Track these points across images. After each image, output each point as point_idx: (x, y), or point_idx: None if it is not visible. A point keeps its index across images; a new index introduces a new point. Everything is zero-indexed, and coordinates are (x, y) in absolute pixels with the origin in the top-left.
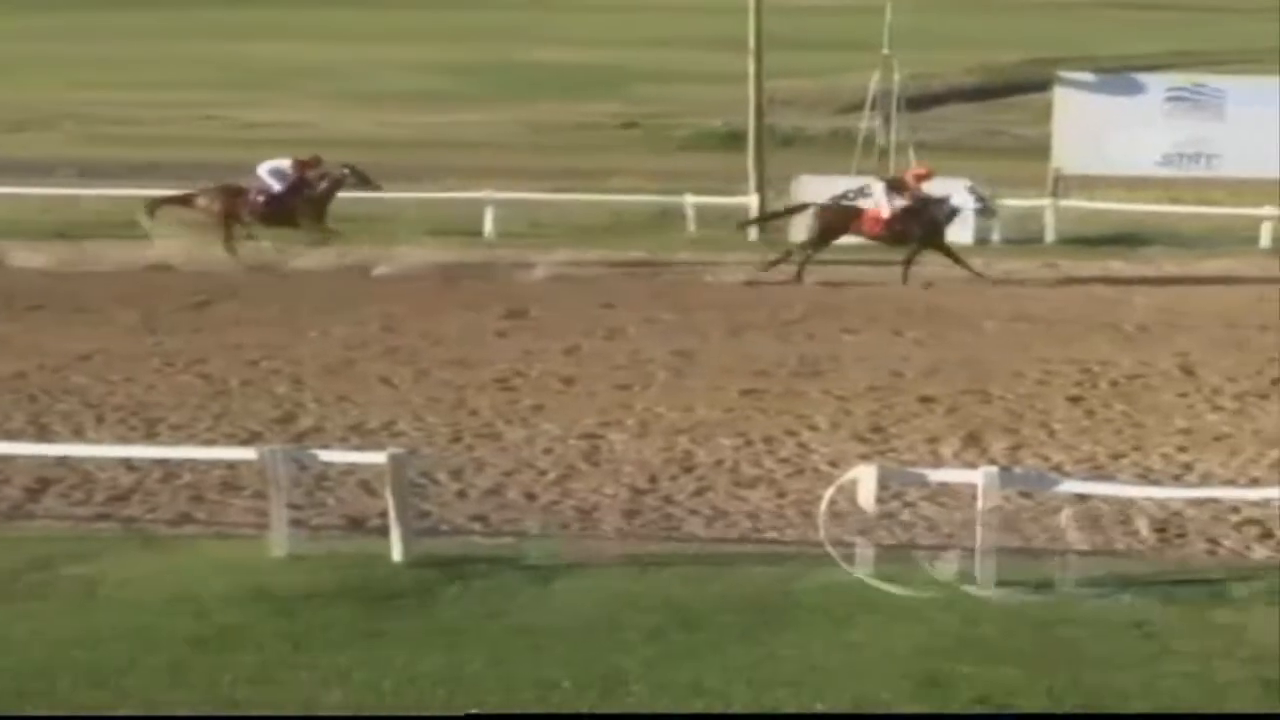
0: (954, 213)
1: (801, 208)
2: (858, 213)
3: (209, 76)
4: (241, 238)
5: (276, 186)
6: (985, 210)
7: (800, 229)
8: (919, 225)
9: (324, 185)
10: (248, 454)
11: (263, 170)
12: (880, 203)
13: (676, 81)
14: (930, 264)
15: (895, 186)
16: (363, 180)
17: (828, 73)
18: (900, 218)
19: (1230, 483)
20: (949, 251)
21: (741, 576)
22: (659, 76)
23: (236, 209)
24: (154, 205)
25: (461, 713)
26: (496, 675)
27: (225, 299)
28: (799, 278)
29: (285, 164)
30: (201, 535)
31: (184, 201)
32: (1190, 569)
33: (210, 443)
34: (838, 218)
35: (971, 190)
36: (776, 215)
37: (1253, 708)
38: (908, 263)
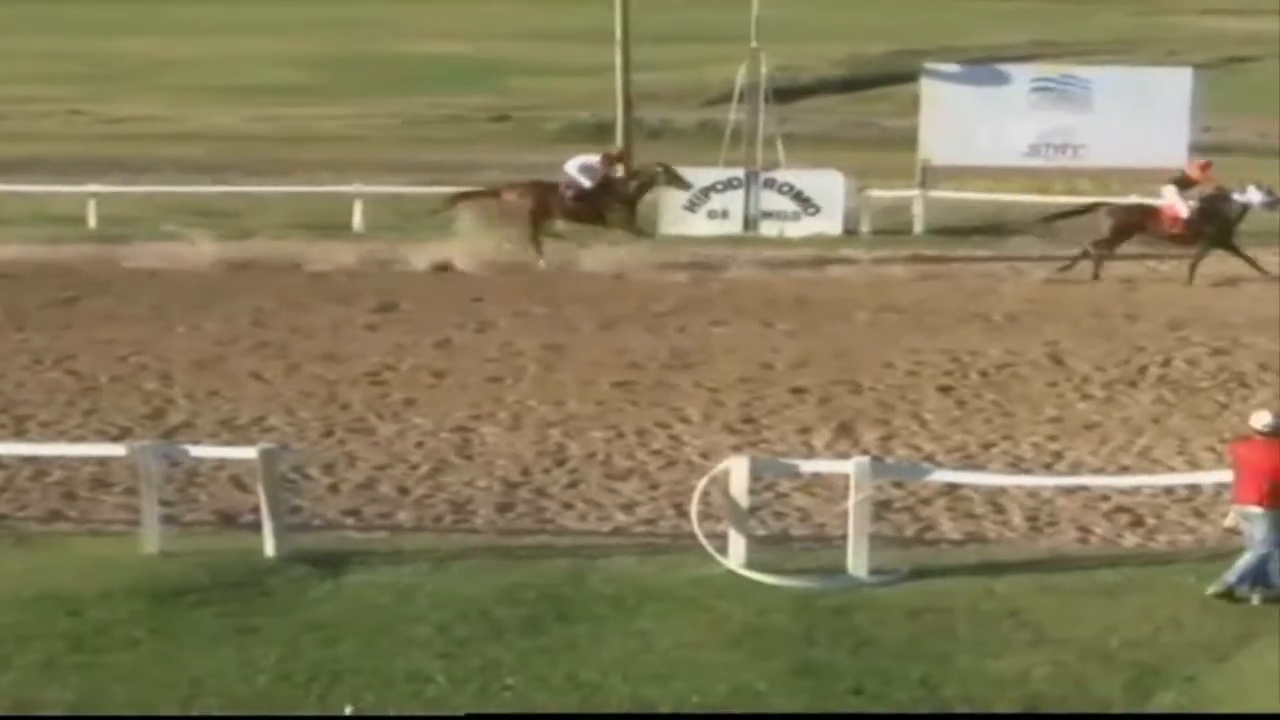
0: (1244, 210)
1: (1094, 206)
2: (1154, 211)
3: (72, 71)
4: (546, 234)
5: (586, 183)
6: (1275, 205)
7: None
8: (1212, 223)
9: (636, 183)
10: (118, 450)
11: (571, 167)
12: (1175, 202)
13: (546, 74)
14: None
15: (1183, 184)
16: (674, 178)
17: (695, 65)
18: (1196, 216)
19: (1100, 471)
20: (1237, 250)
21: (616, 568)
22: (529, 69)
23: (548, 205)
24: (454, 200)
25: (338, 709)
26: (371, 670)
27: (95, 295)
28: (1096, 275)
29: (594, 160)
30: (73, 533)
31: (491, 195)
32: (1062, 557)
33: (80, 439)
34: (1131, 217)
35: (1260, 186)
36: (1069, 214)
37: (1125, 694)
38: (1196, 263)
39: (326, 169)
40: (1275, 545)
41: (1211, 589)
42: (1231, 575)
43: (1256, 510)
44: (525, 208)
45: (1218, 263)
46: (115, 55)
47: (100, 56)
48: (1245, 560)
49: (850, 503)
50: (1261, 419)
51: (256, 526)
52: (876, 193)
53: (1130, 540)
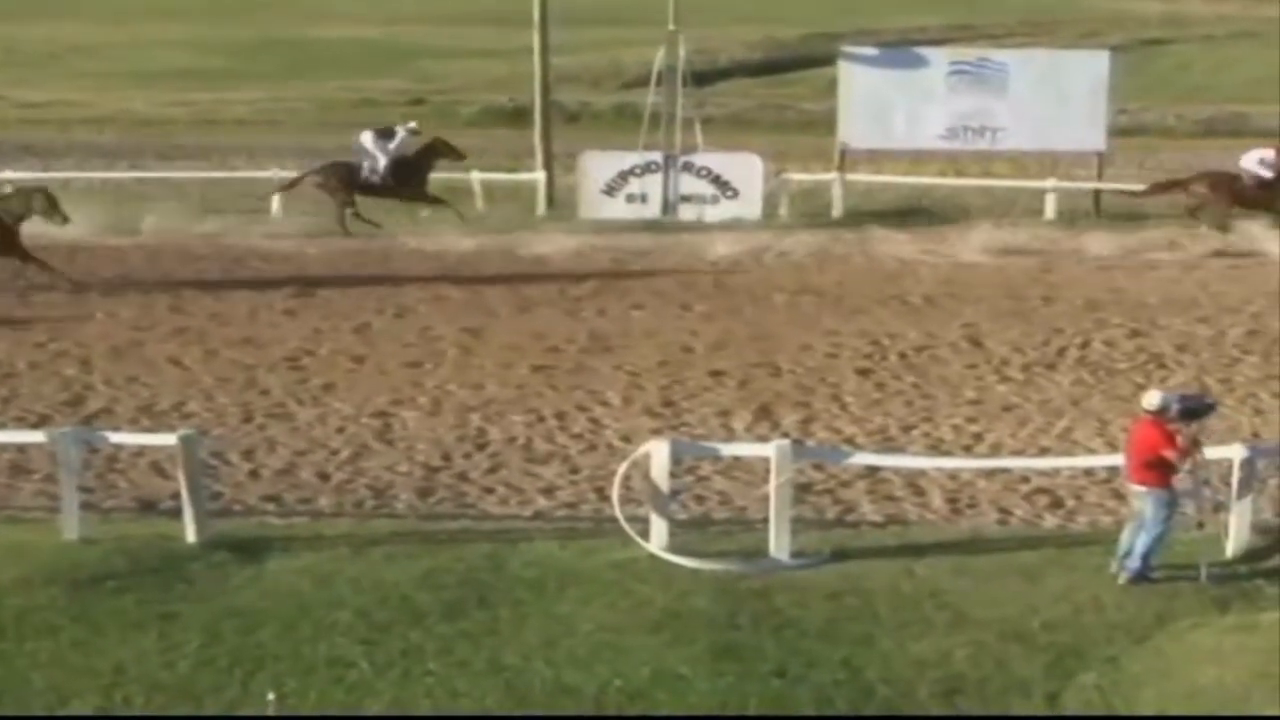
0: None
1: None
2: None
3: None
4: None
5: (1268, 174)
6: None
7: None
8: None
9: None
10: (37, 437)
11: (1249, 161)
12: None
13: (461, 57)
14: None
15: None
16: None
17: (610, 47)
18: None
19: (1020, 453)
20: None
21: (537, 552)
22: (444, 53)
23: (1233, 195)
24: (1153, 190)
25: (260, 695)
26: (293, 656)
27: (12, 281)
28: None
29: (1269, 154)
30: None
31: (1179, 187)
32: (982, 538)
33: None
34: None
35: None
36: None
37: (1046, 675)
38: None
39: (241, 153)
40: (1164, 522)
41: (1122, 579)
42: (1135, 562)
43: (1140, 488)
44: (1213, 198)
45: (1134, 245)
46: (24, 40)
47: (9, 41)
48: (1142, 542)
49: (771, 486)
50: (1150, 399)
51: (177, 513)
52: (795, 176)
53: (1050, 521)
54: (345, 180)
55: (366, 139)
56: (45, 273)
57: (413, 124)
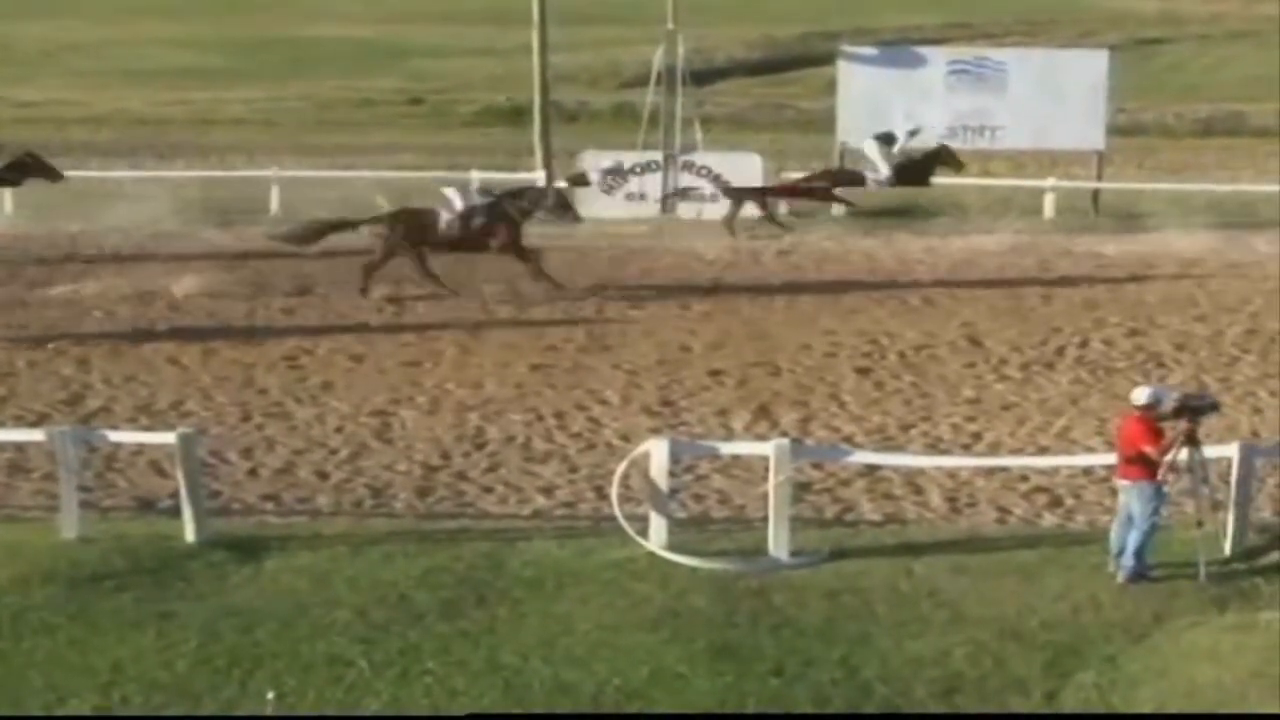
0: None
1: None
2: None
3: None
4: None
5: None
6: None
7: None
8: None
9: None
10: (36, 436)
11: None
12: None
13: (459, 56)
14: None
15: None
16: None
17: (607, 46)
18: None
19: (1018, 451)
20: None
21: (535, 551)
22: (441, 52)
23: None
24: None
25: (258, 694)
26: (291, 655)
27: (10, 281)
28: None
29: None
30: None
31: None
32: (981, 537)
33: None
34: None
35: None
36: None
37: (1044, 674)
38: None
39: (238, 152)
40: (1151, 517)
41: (1120, 579)
42: (1130, 560)
43: (1125, 483)
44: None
45: (1133, 244)
46: (19, 38)
47: (4, 39)
48: (1134, 539)
49: (770, 484)
50: (1139, 394)
51: (175, 512)
52: (794, 175)
53: (1049, 520)
54: (851, 185)
55: (870, 148)
56: (540, 277)
57: (912, 125)
